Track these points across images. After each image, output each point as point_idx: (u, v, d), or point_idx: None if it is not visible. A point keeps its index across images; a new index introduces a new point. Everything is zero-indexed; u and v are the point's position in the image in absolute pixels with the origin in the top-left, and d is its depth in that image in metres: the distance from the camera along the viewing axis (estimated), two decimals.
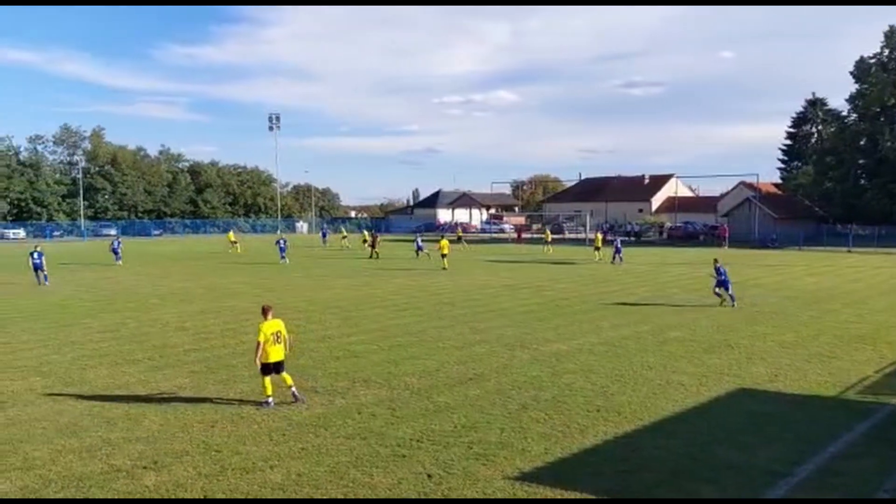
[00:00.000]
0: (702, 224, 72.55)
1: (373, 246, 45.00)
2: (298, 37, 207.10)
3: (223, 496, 7.76)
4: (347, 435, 9.72)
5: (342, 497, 7.74)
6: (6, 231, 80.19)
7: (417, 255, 42.50)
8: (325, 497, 7.74)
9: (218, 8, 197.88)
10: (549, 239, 53.57)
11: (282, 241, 42.54)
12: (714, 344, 16.04)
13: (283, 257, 40.67)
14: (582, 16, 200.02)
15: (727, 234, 58.62)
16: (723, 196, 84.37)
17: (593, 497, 7.72)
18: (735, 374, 13.18)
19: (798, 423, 10.30)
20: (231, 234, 56.63)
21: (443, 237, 40.43)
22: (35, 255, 29.30)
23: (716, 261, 23.39)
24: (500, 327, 18.24)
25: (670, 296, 24.79)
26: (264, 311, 11.35)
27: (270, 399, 11.06)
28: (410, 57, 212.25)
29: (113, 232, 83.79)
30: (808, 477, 8.28)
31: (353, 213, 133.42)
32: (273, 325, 11.20)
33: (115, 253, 40.17)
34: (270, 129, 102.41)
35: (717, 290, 22.43)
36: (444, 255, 36.51)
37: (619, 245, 40.08)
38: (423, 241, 46.06)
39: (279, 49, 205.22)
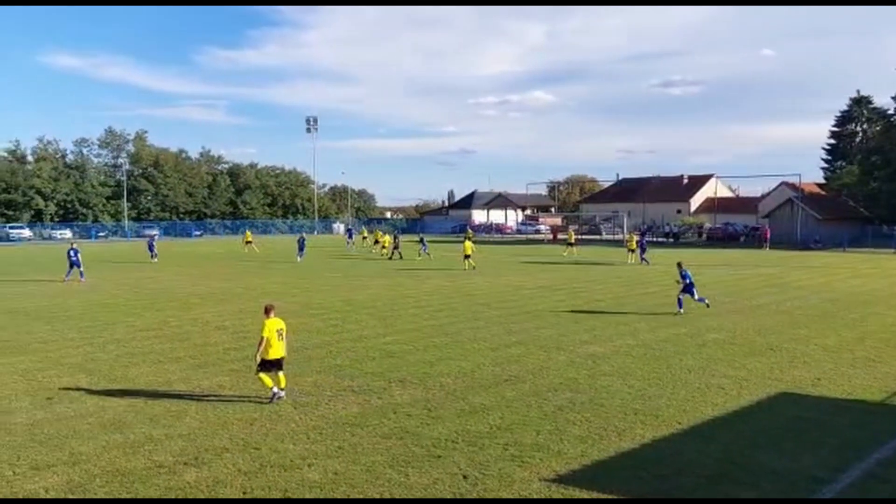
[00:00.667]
0: (742, 225, 71.26)
1: (396, 247, 44.78)
2: (335, 40, 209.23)
3: (261, 493, 7.88)
4: (383, 434, 9.79)
5: (378, 497, 7.80)
6: (53, 231, 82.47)
7: (419, 254, 43.77)
8: (362, 497, 7.81)
9: (257, 12, 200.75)
10: (573, 240, 49.60)
11: (301, 240, 45.04)
12: (755, 347, 15.76)
13: (300, 254, 43.18)
14: (618, 15, 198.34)
15: (769, 236, 57.50)
16: (764, 196, 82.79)
17: (628, 498, 7.66)
18: (776, 378, 12.93)
19: (842, 428, 10.07)
20: (249, 233, 57.87)
21: (466, 239, 40.58)
22: (72, 253, 31.14)
23: (679, 265, 21.42)
24: (536, 329, 18.18)
25: (710, 298, 24.38)
26: (267, 310, 11.61)
27: (275, 389, 11.35)
28: (446, 58, 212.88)
29: (154, 231, 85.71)
30: (853, 483, 8.10)
31: (388, 214, 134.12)
32: (276, 323, 11.48)
33: (151, 250, 43.21)
34: (308, 131, 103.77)
35: (680, 296, 20.61)
36: (466, 257, 36.23)
37: (643, 244, 41.75)
38: (427, 240, 47.93)
39: (317, 52, 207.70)
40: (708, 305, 20.98)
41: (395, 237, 47.26)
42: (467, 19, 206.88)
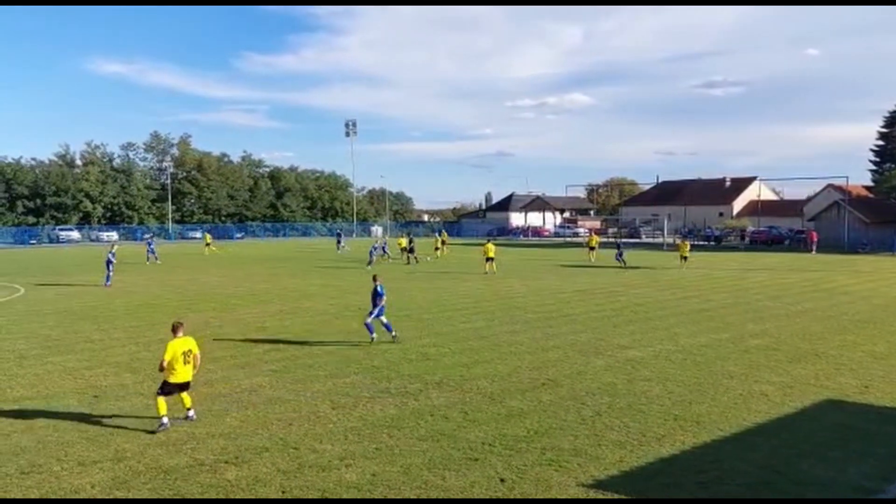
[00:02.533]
0: (787, 229, 69.76)
1: (411, 251, 43.23)
2: (371, 44, 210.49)
3: (300, 493, 7.96)
4: (420, 437, 9.82)
5: (415, 497, 7.83)
6: (100, 233, 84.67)
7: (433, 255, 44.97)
8: (399, 497, 7.84)
9: (295, 18, 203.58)
10: (595, 244, 46.76)
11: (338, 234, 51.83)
12: (799, 353, 15.41)
13: (339, 247, 51.83)
14: (657, 16, 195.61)
15: (815, 239, 56.19)
16: (809, 199, 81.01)
17: (632, 497, 7.56)
18: (822, 385, 12.62)
19: (890, 437, 9.79)
20: (208, 236, 59.19)
21: (487, 241, 39.91)
22: (111, 255, 31.91)
23: (374, 278, 17.23)
24: (574, 332, 18.04)
25: (752, 302, 23.94)
26: (174, 329, 10.59)
27: (165, 419, 10.12)
28: (482, 61, 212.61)
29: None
30: None
31: (426, 217, 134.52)
32: (183, 344, 10.44)
33: (151, 251, 44.22)
34: (347, 134, 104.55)
35: (369, 321, 16.58)
36: (488, 259, 35.42)
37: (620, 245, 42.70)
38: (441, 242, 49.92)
39: (353, 56, 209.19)
40: (394, 337, 16.55)
41: (409, 240, 45.12)
42: (503, 21, 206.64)
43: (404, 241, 46.39)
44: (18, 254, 49.53)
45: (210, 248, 53.08)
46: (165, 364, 10.19)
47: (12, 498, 7.92)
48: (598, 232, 78.06)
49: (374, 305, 16.63)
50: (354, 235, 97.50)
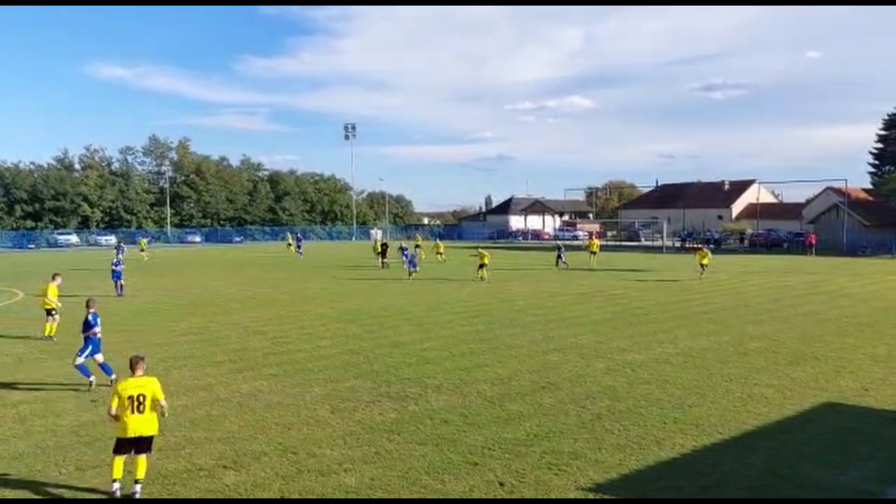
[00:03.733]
0: (786, 231, 69.76)
1: (383, 255, 41.98)
2: (371, 47, 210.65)
3: (298, 497, 7.93)
4: (420, 441, 9.79)
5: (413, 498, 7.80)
6: (99, 237, 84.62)
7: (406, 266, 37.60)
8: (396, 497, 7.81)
9: (292, 21, 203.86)
10: (596, 248, 45.35)
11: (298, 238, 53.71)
12: (799, 355, 15.39)
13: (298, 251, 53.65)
14: (656, 19, 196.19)
15: (814, 242, 56.17)
16: (808, 202, 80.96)
17: (629, 497, 7.53)
18: (822, 388, 12.60)
19: (890, 440, 9.77)
20: (143, 242, 58.98)
21: (478, 247, 39.42)
22: (115, 263, 29.52)
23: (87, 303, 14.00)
24: (574, 336, 18.02)
25: (752, 305, 23.93)
26: (132, 365, 8.31)
27: (116, 484, 7.91)
28: (483, 65, 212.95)
29: (197, 238, 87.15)
30: None
31: (426, 220, 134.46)
32: (137, 385, 7.99)
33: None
34: (346, 138, 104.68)
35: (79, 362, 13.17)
36: (481, 266, 34.57)
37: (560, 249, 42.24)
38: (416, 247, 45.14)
39: (352, 59, 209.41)
40: (112, 381, 12.31)
41: (383, 243, 43.80)
42: (504, 25, 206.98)
43: (414, 243, 46.77)
44: (17, 258, 49.48)
45: (143, 253, 52.60)
46: (113, 411, 7.98)
47: (8, 499, 7.88)
48: (598, 235, 78.21)
49: (86, 341, 13.11)
50: (354, 239, 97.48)
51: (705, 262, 34.63)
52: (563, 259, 41.71)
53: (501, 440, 9.76)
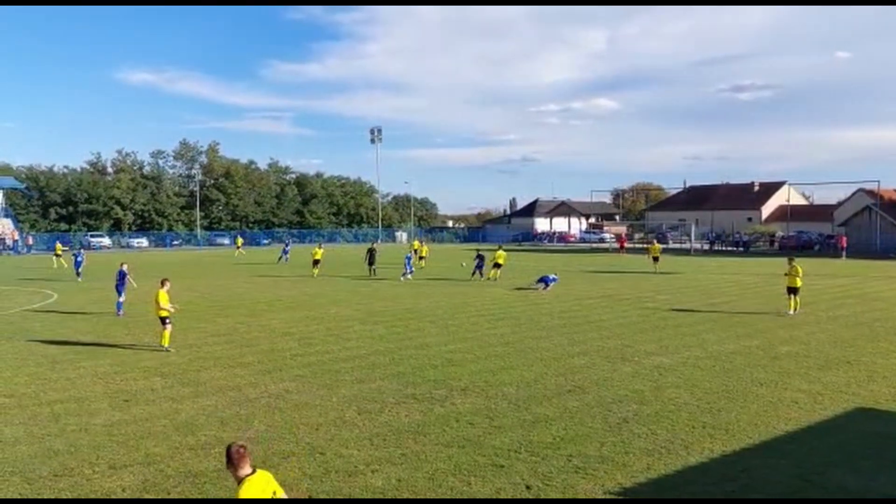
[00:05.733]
0: (817, 233, 68.68)
1: (370, 262, 38.45)
2: (395, 51, 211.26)
3: (325, 497, 8.01)
4: (446, 443, 9.83)
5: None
6: (131, 240, 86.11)
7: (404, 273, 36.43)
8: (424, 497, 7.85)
9: (319, 25, 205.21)
10: (658, 253, 42.34)
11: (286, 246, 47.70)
12: (831, 360, 15.15)
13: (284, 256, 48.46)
14: (680, 20, 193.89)
15: (845, 244, 55.22)
16: (840, 204, 79.64)
17: (628, 499, 7.47)
18: (854, 393, 12.40)
19: None
20: (58, 246, 56.51)
21: (500, 247, 37.97)
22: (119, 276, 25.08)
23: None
24: (600, 339, 17.93)
25: (782, 309, 23.59)
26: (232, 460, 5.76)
27: None
28: (506, 67, 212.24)
29: (226, 241, 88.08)
30: None
31: (450, 223, 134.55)
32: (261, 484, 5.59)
33: (77, 265, 36.01)
34: (372, 141, 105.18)
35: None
36: (496, 266, 34.27)
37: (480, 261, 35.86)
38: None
39: (377, 63, 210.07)
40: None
41: (370, 249, 39.84)
42: (527, 27, 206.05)
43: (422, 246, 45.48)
44: (51, 260, 50.54)
45: (59, 259, 52.57)
46: None
47: (45, 498, 8.07)
48: (626, 236, 77.57)
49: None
50: (380, 241, 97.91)
51: (796, 283, 25.23)
52: (482, 269, 35.62)
53: (527, 443, 9.76)
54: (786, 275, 22.72)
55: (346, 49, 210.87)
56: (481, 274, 35.31)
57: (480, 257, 35.96)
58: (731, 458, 9.18)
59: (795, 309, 21.83)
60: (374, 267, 38.53)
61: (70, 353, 16.56)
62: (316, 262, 39.33)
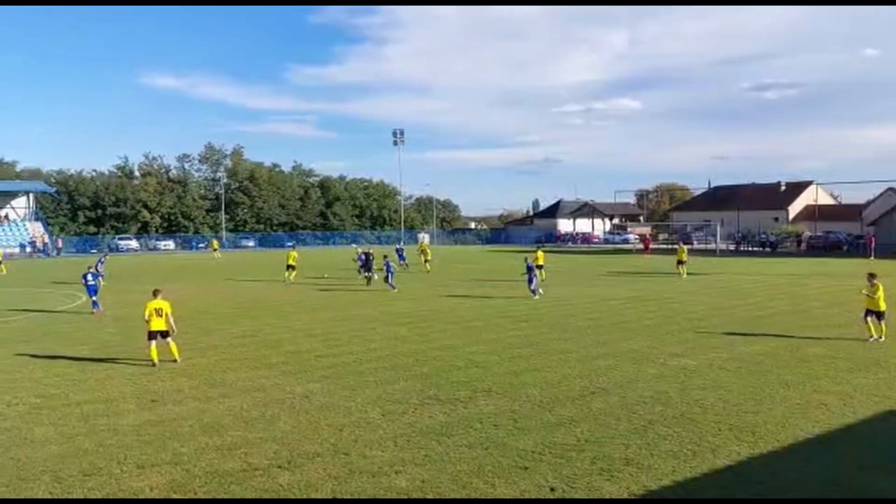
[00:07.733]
0: (845, 233, 67.58)
1: (368, 269, 34.83)
2: (416, 53, 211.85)
3: (350, 498, 8.05)
4: (469, 444, 9.82)
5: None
6: (158, 243, 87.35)
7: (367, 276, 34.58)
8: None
9: (340, 29, 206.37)
10: (685, 257, 38.45)
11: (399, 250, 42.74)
12: (861, 362, 14.90)
13: (399, 265, 38.66)
14: (702, 19, 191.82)
15: (873, 244, 54.29)
16: (868, 203, 78.19)
17: (631, 497, 7.39)
18: (884, 395, 12.18)
19: None
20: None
21: (538, 248, 37.58)
22: (89, 277, 25.04)
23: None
24: (625, 340, 17.81)
25: (810, 310, 23.27)
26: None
27: None
28: (528, 68, 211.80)
29: (251, 243, 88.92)
30: None
31: (472, 225, 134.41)
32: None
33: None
34: (395, 143, 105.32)
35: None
36: (539, 267, 33.08)
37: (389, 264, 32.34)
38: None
39: (398, 66, 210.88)
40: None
41: (365, 253, 36.38)
42: (548, 28, 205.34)
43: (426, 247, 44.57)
44: (80, 263, 51.49)
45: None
46: None
47: (75, 498, 8.20)
48: (651, 237, 76.92)
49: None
50: (402, 243, 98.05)
51: (882, 303, 20.45)
52: (391, 281, 31.79)
53: (552, 445, 9.72)
54: (867, 295, 18.15)
55: (367, 52, 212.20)
56: (533, 292, 27.71)
57: (530, 269, 28.17)
58: (758, 461, 9.06)
59: (881, 335, 17.58)
60: (370, 275, 34.16)
61: (98, 354, 16.81)
62: (290, 267, 36.10)
